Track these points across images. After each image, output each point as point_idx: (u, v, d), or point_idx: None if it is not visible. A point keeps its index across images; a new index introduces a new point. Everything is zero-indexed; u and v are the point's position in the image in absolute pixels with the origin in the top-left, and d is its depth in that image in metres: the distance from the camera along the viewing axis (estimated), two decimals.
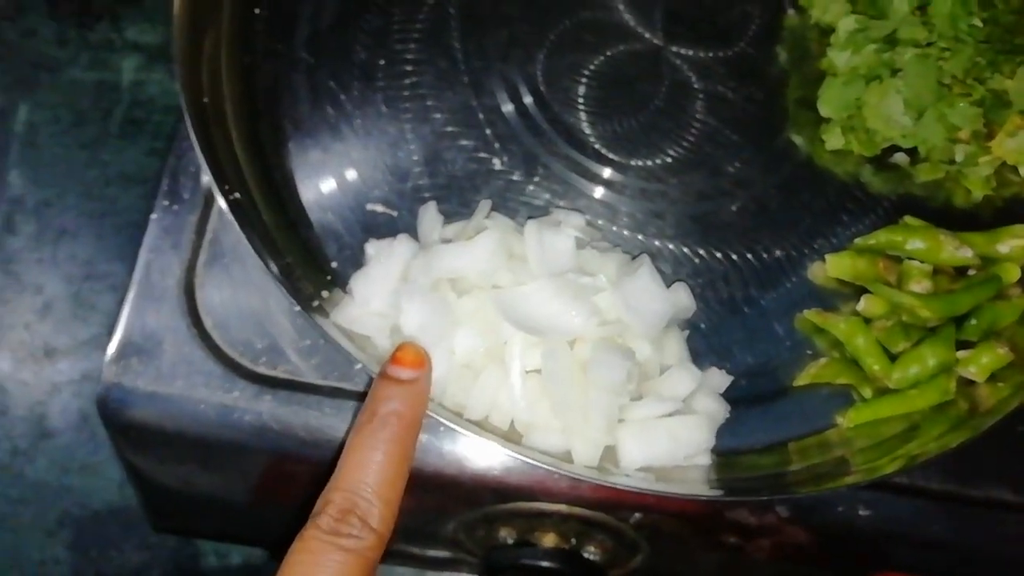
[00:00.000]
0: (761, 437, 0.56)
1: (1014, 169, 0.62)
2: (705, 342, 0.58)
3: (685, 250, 0.61)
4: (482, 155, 0.62)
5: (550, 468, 0.49)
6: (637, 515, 0.57)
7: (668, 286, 0.56)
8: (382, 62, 0.64)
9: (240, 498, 0.62)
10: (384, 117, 0.63)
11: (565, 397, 0.49)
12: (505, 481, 0.56)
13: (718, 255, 0.61)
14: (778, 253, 0.61)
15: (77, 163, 1.01)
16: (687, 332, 0.57)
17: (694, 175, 0.63)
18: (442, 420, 0.49)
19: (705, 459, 0.53)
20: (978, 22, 0.58)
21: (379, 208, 0.59)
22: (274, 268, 0.52)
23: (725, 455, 0.55)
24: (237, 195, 0.54)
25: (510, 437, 0.51)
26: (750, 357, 0.58)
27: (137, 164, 1.01)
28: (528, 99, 0.63)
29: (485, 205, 0.56)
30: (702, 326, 0.59)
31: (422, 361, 0.47)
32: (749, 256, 0.61)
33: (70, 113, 1.03)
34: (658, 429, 0.52)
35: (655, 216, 0.61)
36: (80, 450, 0.84)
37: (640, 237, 0.61)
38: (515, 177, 0.61)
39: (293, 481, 0.59)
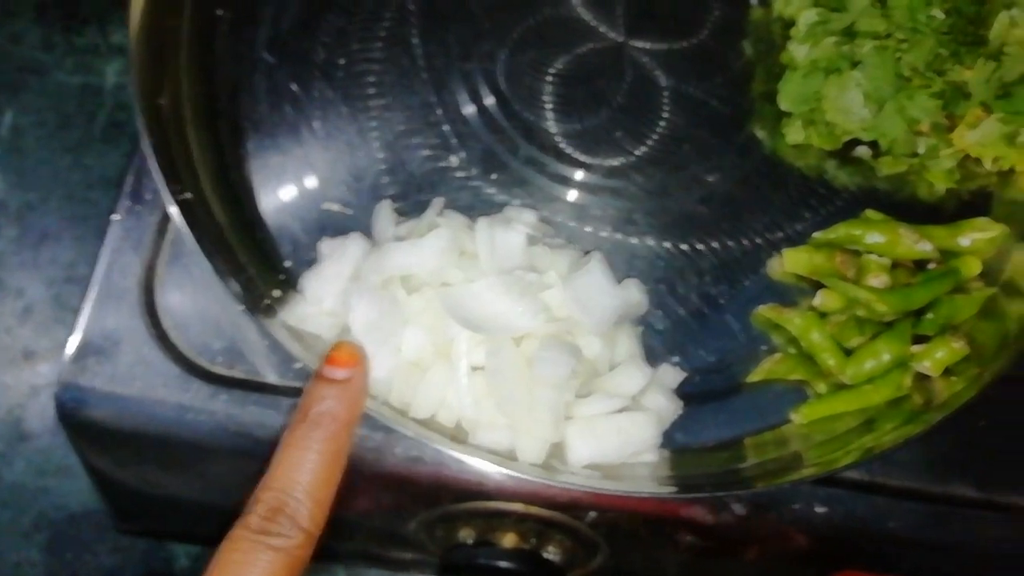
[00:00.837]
0: (715, 433, 0.57)
1: (979, 162, 0.63)
2: (661, 338, 0.59)
3: (645, 245, 0.62)
4: (442, 154, 0.63)
5: (490, 466, 0.50)
6: (592, 514, 0.58)
7: (621, 282, 0.57)
8: (342, 62, 0.66)
9: (200, 498, 0.64)
10: (343, 117, 0.64)
11: (509, 394, 0.50)
12: (459, 479, 0.57)
13: (677, 251, 0.62)
14: (737, 248, 0.62)
15: (61, 166, 1.03)
16: (641, 328, 0.58)
17: (656, 171, 0.64)
18: (383, 419, 0.50)
19: (653, 455, 0.54)
20: (938, 13, 0.58)
21: (335, 207, 0.61)
22: (219, 266, 0.53)
23: (679, 451, 0.56)
24: (188, 195, 0.56)
25: (456, 435, 0.53)
26: (705, 353, 0.59)
27: (119, 167, 1.03)
28: (489, 99, 0.65)
29: (438, 203, 0.58)
30: (658, 323, 0.60)
31: (357, 360, 0.49)
32: (708, 251, 0.62)
33: (55, 117, 1.05)
34: (605, 426, 0.53)
35: (616, 212, 0.62)
36: (57, 452, 0.86)
37: (602, 233, 0.62)
38: (474, 176, 0.63)
39: (252, 481, 0.61)
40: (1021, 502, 0.58)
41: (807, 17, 0.61)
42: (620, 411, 0.53)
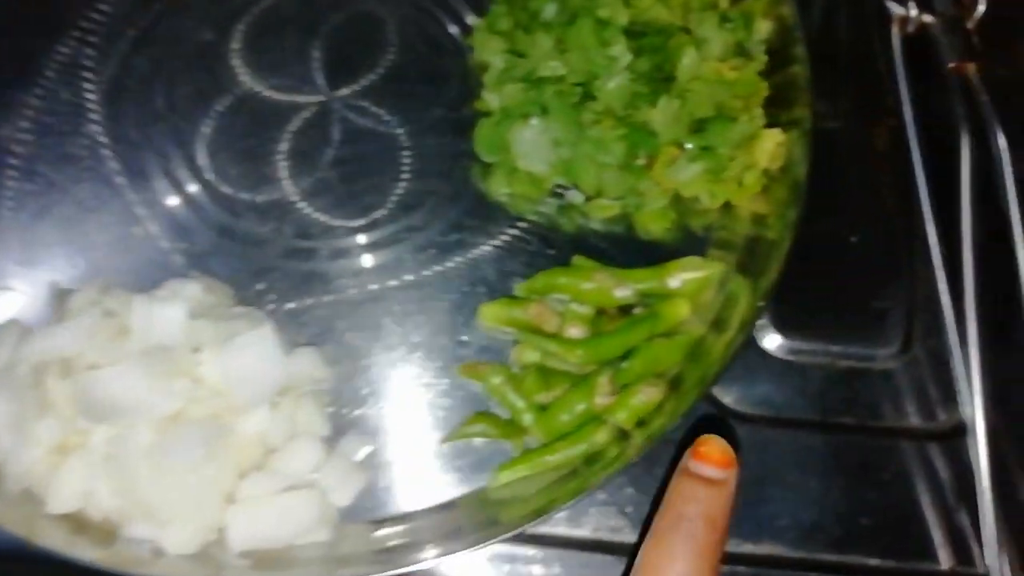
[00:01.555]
0: (406, 503, 0.56)
1: (696, 200, 0.62)
2: (358, 406, 0.58)
3: (353, 307, 0.61)
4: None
5: (130, 567, 0.48)
6: None
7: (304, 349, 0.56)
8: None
9: None
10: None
11: (136, 484, 0.48)
12: None
13: (384, 314, 0.61)
14: (452, 301, 0.61)
15: None
16: (327, 397, 0.57)
17: (388, 227, 0.63)
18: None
19: (325, 534, 0.52)
20: (622, 53, 0.58)
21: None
22: None
23: (364, 524, 0.55)
24: None
25: (104, 528, 0.51)
26: (412, 415, 0.58)
27: None
28: (193, 187, 0.63)
29: (96, 282, 0.56)
30: (357, 387, 0.58)
31: (731, 460, 0.44)
32: (417, 314, 0.61)
33: None
34: (267, 507, 0.51)
35: (325, 277, 0.61)
36: None
37: (309, 300, 0.60)
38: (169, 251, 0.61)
39: None
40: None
41: (496, 63, 0.61)
42: (286, 490, 0.52)
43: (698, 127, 0.59)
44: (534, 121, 0.58)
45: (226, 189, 0.63)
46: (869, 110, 0.71)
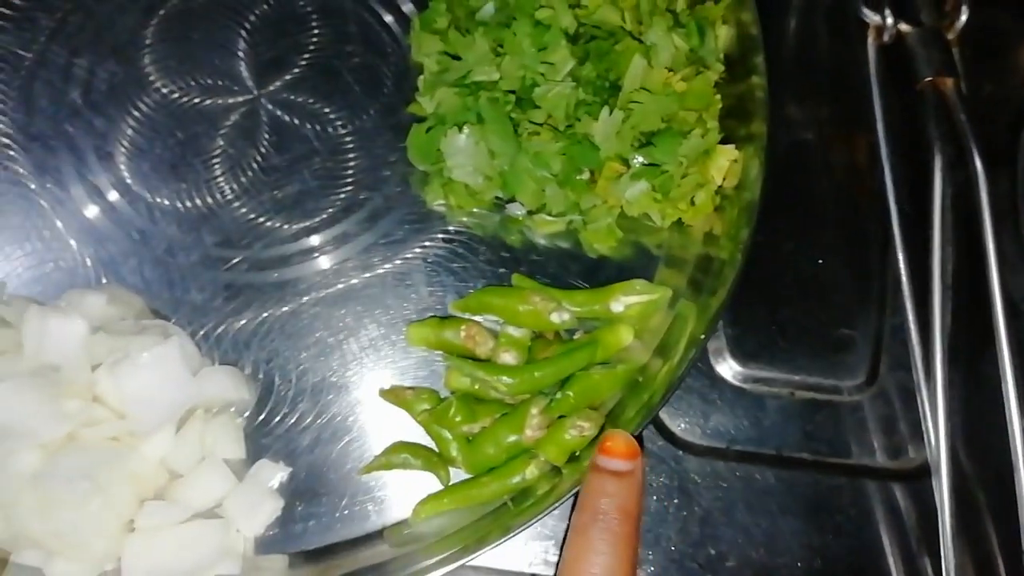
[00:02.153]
0: (324, 535, 0.54)
1: (647, 216, 0.60)
2: (277, 427, 0.56)
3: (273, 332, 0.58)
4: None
5: None
6: None
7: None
8: None
9: None
10: None
11: (21, 514, 0.46)
12: None
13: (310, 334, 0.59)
14: (382, 316, 0.59)
15: None
16: (240, 420, 0.55)
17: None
18: None
19: (231, 568, 0.50)
20: (562, 58, 0.55)
21: None
22: None
23: (288, 555, 0.53)
24: None
25: None
26: (334, 440, 0.56)
27: None
28: (110, 190, 0.61)
29: None
30: (273, 411, 0.56)
31: (636, 451, 0.48)
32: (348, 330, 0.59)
33: None
34: (166, 539, 0.49)
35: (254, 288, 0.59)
36: None
37: (228, 312, 0.58)
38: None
39: None
40: None
41: (430, 65, 0.59)
42: (188, 520, 0.50)
43: (645, 141, 0.56)
44: (468, 130, 0.56)
45: (145, 193, 0.61)
46: (845, 122, 0.69)
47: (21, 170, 0.60)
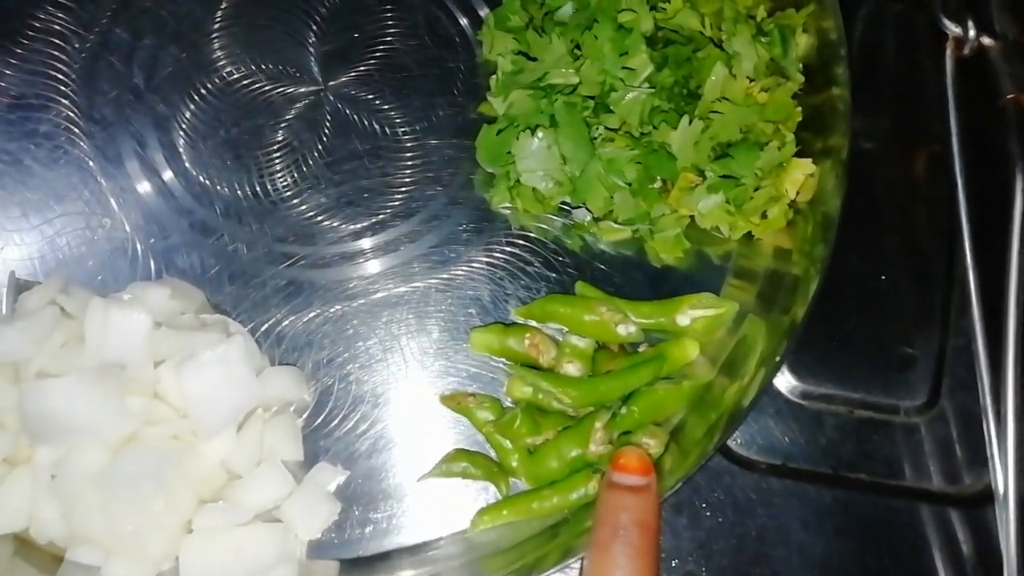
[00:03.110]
0: (380, 542, 0.53)
1: (716, 227, 0.58)
2: (335, 430, 0.55)
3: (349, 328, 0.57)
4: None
5: None
6: None
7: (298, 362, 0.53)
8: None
9: None
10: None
11: (80, 512, 0.46)
12: None
13: (372, 336, 0.57)
14: (444, 320, 0.57)
15: None
16: (300, 420, 0.54)
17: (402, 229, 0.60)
18: None
19: (289, 571, 0.50)
20: (641, 63, 0.54)
21: None
22: None
23: (344, 561, 0.52)
24: None
25: (49, 552, 0.48)
26: (393, 444, 0.55)
27: None
28: (171, 176, 0.59)
29: (55, 279, 0.53)
30: (332, 412, 0.55)
31: (649, 466, 0.48)
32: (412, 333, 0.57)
33: None
34: (223, 543, 0.48)
35: (321, 286, 0.58)
36: None
37: (289, 310, 0.57)
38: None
39: None
40: None
41: (503, 65, 0.57)
42: (246, 524, 0.49)
43: (721, 152, 0.55)
44: (541, 133, 0.54)
45: (206, 181, 0.59)
46: (912, 133, 0.67)
47: (84, 153, 0.59)
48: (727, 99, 0.54)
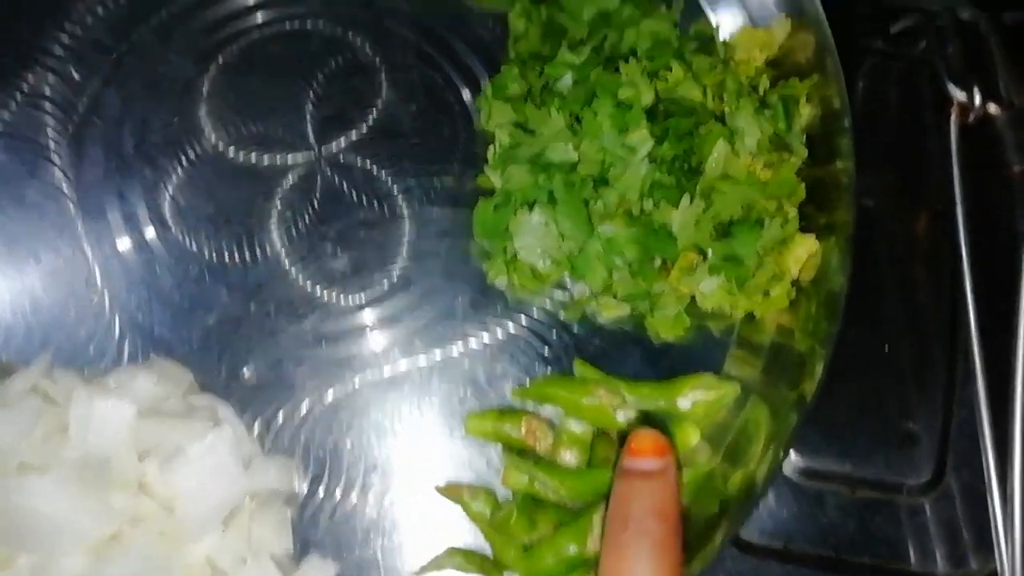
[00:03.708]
0: None
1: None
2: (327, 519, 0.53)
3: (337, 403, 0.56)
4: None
5: None
6: None
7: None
8: None
9: None
10: None
11: None
12: None
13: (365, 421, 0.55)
14: (438, 402, 0.56)
15: None
16: (288, 511, 0.52)
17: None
18: None
19: None
20: (643, 141, 0.52)
21: None
22: None
23: None
24: None
25: None
26: (386, 536, 0.53)
27: None
28: (160, 248, 0.57)
29: (39, 363, 0.51)
30: (324, 500, 0.53)
31: (665, 446, 0.44)
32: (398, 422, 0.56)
33: None
34: None
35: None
36: None
37: (280, 398, 0.55)
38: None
39: None
40: None
41: (500, 138, 0.55)
42: None
43: (723, 231, 0.53)
44: (538, 210, 0.52)
45: (195, 250, 0.57)
46: (916, 200, 0.65)
47: (68, 221, 0.57)
48: (729, 176, 0.52)
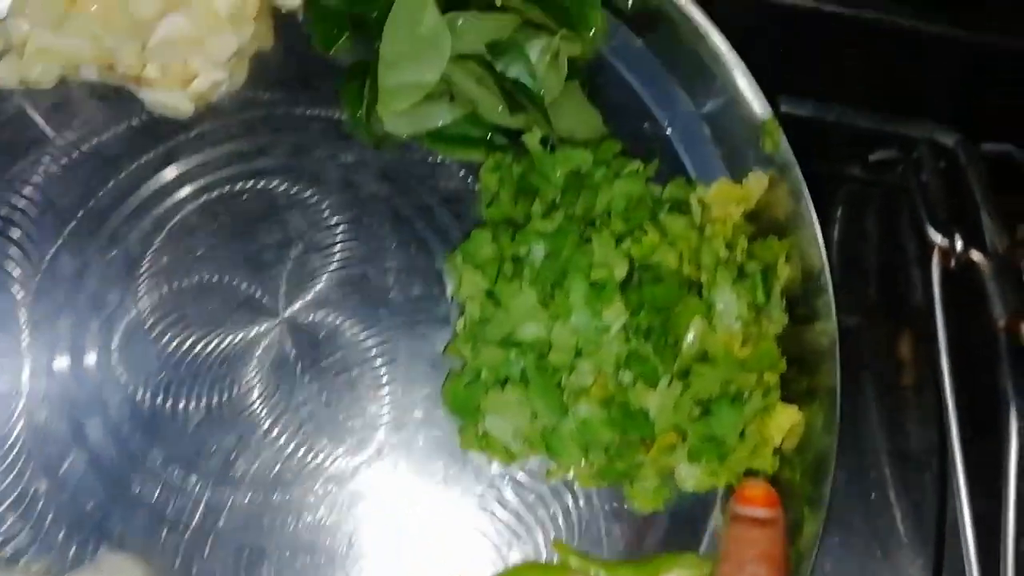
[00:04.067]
0: None
1: None
2: None
3: None
4: None
5: None
6: None
7: None
8: None
9: None
10: None
11: None
12: None
13: None
14: None
15: None
16: None
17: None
18: None
19: None
20: (615, 315, 0.50)
21: None
22: None
23: None
24: None
25: None
26: None
27: None
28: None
29: None
30: None
31: (775, 497, 0.47)
32: None
33: None
34: None
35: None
36: None
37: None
38: None
39: None
40: None
41: (471, 311, 0.53)
42: None
43: (703, 409, 0.51)
44: (510, 388, 0.51)
45: (159, 432, 0.55)
46: (897, 343, 0.64)
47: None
48: (708, 356, 0.51)
